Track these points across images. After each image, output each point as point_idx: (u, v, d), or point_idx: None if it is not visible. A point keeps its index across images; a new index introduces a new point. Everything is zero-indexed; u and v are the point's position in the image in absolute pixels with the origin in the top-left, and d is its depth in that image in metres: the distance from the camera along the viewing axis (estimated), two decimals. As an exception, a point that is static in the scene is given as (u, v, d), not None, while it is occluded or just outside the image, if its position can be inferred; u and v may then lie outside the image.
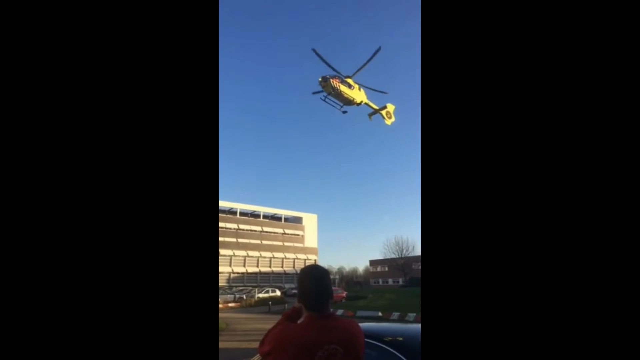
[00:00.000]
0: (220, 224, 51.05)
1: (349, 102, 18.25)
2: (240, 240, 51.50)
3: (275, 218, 59.05)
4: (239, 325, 15.63)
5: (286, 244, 55.80)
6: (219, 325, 15.26)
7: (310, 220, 61.43)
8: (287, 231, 57.49)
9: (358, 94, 18.41)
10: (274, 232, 56.21)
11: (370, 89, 19.94)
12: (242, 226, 53.14)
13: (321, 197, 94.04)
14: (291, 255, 55.56)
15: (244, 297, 30.34)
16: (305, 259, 56.40)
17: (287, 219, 59.76)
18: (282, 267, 54.27)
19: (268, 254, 53.38)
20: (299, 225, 59.81)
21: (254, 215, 56.64)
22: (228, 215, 53.05)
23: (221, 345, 10.63)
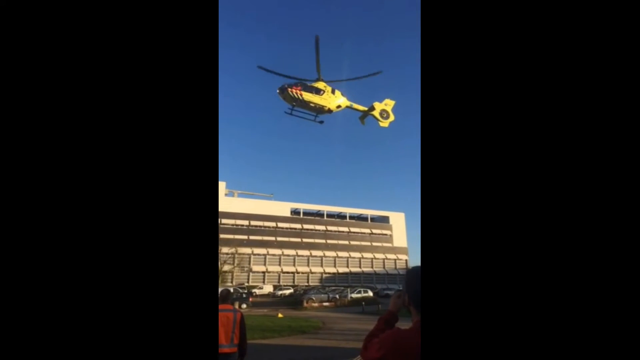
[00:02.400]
0: (309, 226, 52.91)
1: (319, 110, 15.39)
2: (329, 241, 52.58)
3: (361, 218, 58.89)
4: (335, 325, 15.80)
5: (374, 244, 55.19)
6: (315, 324, 15.63)
7: (397, 219, 59.74)
8: (374, 231, 56.85)
9: (330, 99, 15.30)
10: (361, 233, 56.07)
11: (357, 78, 17.00)
12: (329, 228, 54.23)
13: (408, 195, 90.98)
14: (380, 256, 54.73)
15: (337, 296, 30.79)
16: (395, 259, 55.07)
17: (373, 219, 59.12)
18: (371, 267, 53.78)
19: (357, 255, 53.45)
20: (386, 224, 58.62)
21: (341, 216, 57.34)
22: (316, 218, 54.70)
23: (319, 343, 10.80)
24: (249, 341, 4.01)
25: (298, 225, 52.51)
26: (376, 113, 16.82)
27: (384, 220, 59.20)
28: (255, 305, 27.19)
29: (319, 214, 55.72)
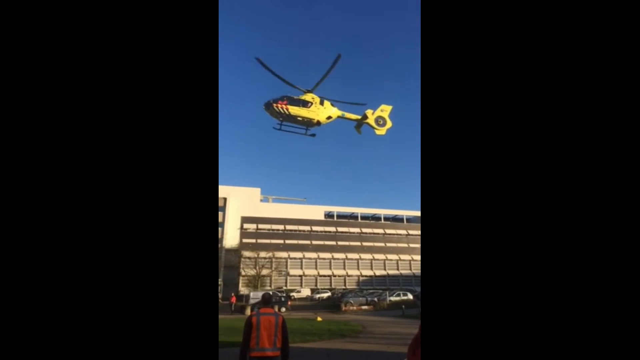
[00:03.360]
0: (343, 229, 52.68)
1: (307, 123, 14.82)
2: (364, 243, 52.04)
3: (397, 219, 57.83)
4: (375, 328, 15.53)
5: (412, 245, 53.90)
6: (355, 327, 15.45)
7: (434, 219, 57.84)
8: (411, 232, 55.57)
9: (318, 111, 14.68)
10: (398, 234, 54.99)
11: (343, 102, 16.09)
12: (364, 230, 53.69)
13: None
14: (418, 257, 53.31)
15: (376, 299, 30.32)
16: (434, 260, 53.23)
17: (409, 220, 57.82)
18: (410, 269, 52.54)
19: (394, 257, 52.44)
20: (423, 225, 56.96)
21: (375, 218, 56.64)
22: (350, 220, 54.37)
23: (360, 347, 10.62)
24: (289, 345, 4.04)
25: (332, 229, 52.44)
26: (370, 121, 16.16)
27: (419, 220, 57.63)
28: (293, 308, 27.40)
29: (353, 217, 55.36)
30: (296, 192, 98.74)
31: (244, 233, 47.34)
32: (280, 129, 14.89)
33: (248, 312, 25.14)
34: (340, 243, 51.36)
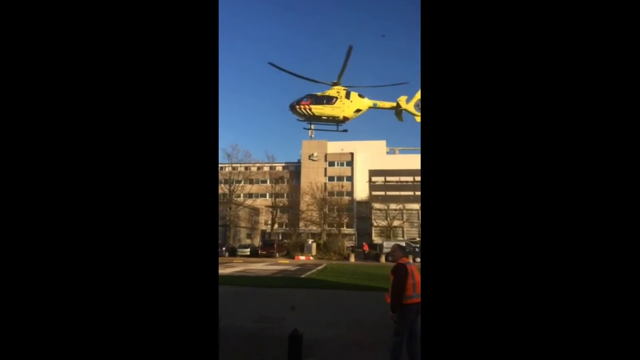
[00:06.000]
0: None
1: (334, 120, 13.61)
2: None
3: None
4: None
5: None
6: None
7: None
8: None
9: (344, 106, 13.31)
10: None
11: (379, 87, 14.63)
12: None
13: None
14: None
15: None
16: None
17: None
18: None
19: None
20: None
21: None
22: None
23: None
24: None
25: (467, 178, 48.54)
26: (410, 107, 13.93)
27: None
28: (428, 259, 27.15)
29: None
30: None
31: (372, 186, 48.32)
32: (310, 129, 14.47)
33: (382, 260, 26.28)
34: (476, 193, 47.30)
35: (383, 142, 51.63)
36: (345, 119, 14.12)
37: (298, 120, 13.92)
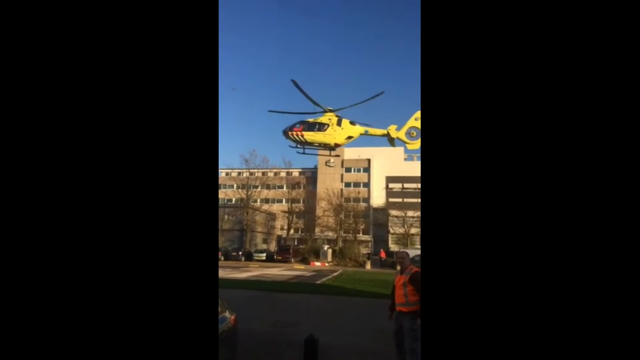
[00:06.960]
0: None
1: (325, 147, 13.97)
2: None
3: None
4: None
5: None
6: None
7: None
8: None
9: (335, 133, 13.45)
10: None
11: (359, 104, 14.00)
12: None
13: None
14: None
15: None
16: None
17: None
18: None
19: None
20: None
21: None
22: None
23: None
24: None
25: (487, 185, 47.47)
26: (400, 135, 13.71)
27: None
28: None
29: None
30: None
31: (389, 192, 47.86)
32: (304, 153, 14.68)
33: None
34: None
35: (401, 149, 51.16)
36: (337, 145, 14.30)
37: (290, 147, 14.28)
